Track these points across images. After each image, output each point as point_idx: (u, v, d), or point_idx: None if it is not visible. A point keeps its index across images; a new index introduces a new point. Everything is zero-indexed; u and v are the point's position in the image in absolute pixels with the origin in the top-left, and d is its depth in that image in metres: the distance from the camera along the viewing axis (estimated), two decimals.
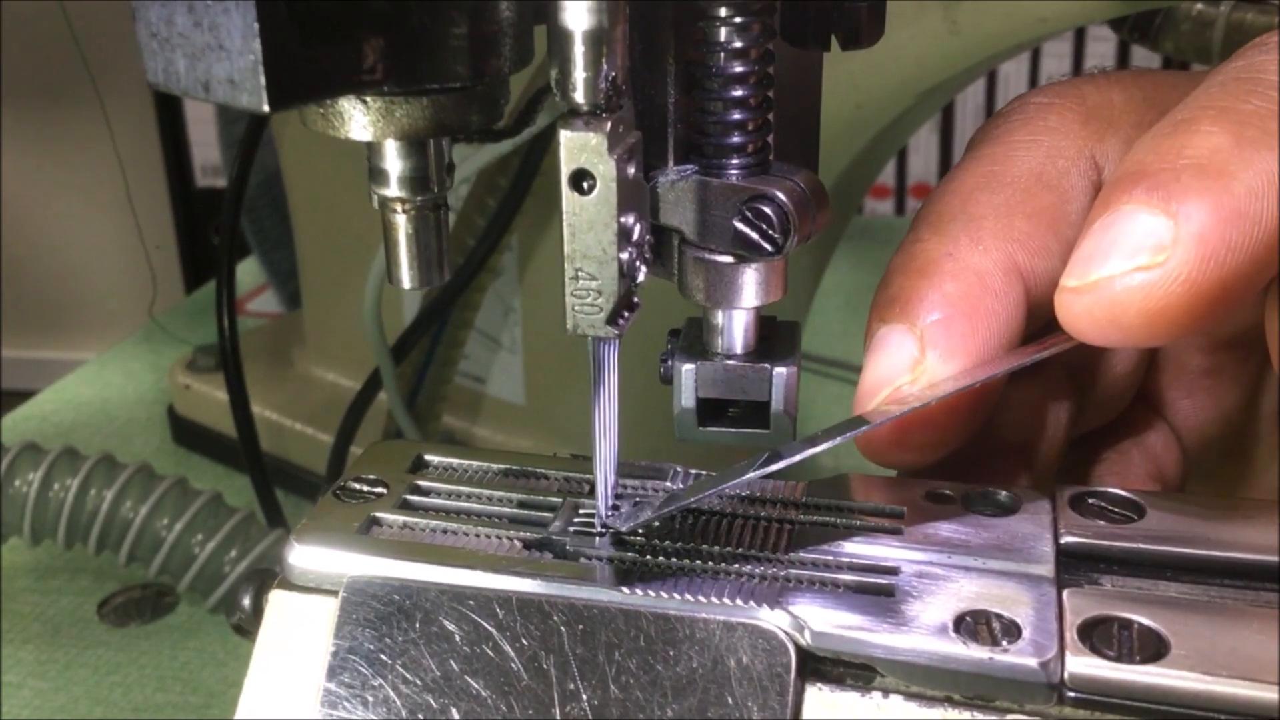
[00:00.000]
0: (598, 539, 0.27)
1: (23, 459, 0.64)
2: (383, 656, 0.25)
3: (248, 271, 1.10)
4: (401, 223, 0.26)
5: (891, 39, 0.32)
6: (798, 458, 0.26)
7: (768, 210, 0.26)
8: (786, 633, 0.24)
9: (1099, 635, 0.23)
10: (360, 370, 0.68)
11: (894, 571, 0.26)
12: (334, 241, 0.78)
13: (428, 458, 0.30)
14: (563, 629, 0.25)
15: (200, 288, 1.18)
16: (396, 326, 0.68)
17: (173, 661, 0.65)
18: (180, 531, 0.63)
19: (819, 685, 0.24)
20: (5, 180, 2.50)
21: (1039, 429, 0.31)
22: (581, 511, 0.28)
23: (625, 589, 0.25)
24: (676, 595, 0.25)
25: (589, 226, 0.24)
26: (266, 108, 0.20)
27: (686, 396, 0.29)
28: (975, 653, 0.23)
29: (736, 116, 0.27)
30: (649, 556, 0.26)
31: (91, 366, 0.98)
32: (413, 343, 0.66)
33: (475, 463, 0.30)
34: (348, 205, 0.74)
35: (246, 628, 0.27)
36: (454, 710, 0.25)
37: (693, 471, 0.29)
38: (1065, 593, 0.24)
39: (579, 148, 0.24)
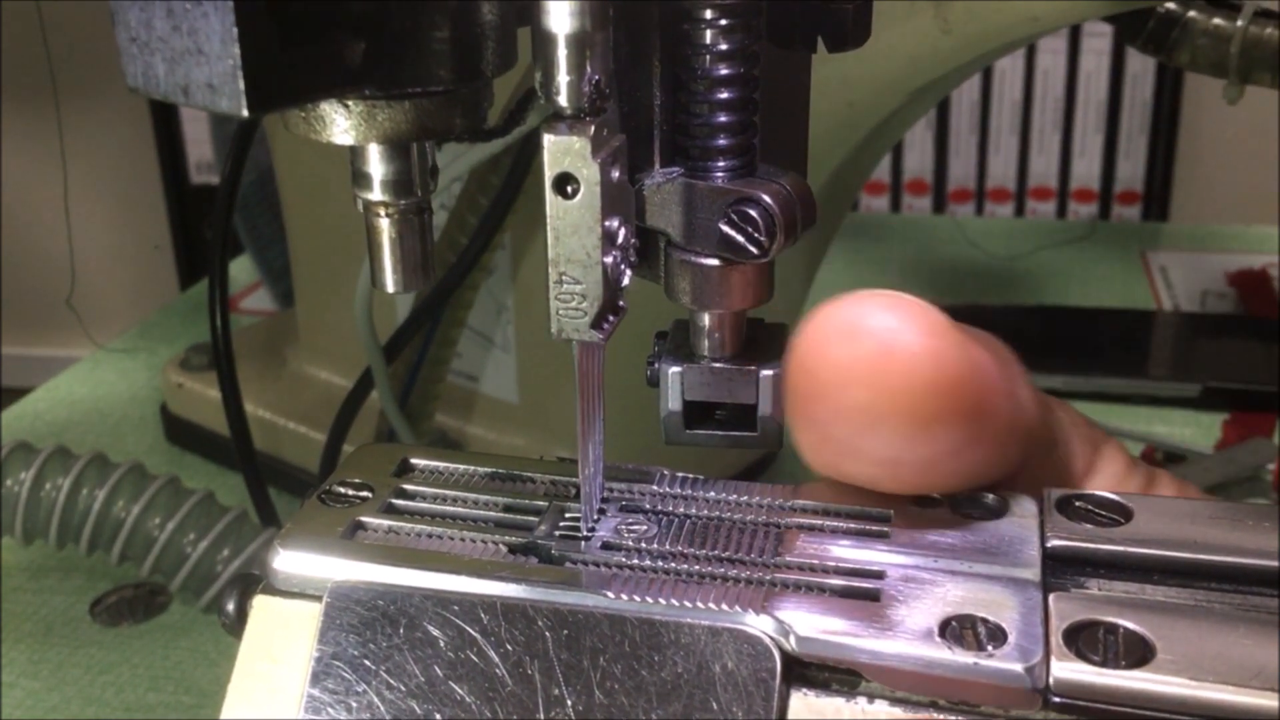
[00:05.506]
0: (583, 543, 0.27)
1: (14, 458, 0.63)
2: (366, 662, 0.25)
3: (241, 269, 1.10)
4: (385, 226, 0.26)
5: (882, 38, 0.32)
6: None
7: (753, 213, 0.26)
8: (771, 638, 0.24)
9: (1085, 640, 0.23)
10: (354, 368, 0.68)
11: (880, 576, 0.25)
12: (327, 239, 0.78)
13: (414, 461, 0.30)
14: (547, 634, 0.25)
15: (194, 285, 1.17)
16: (389, 325, 0.67)
17: (165, 661, 0.64)
18: (172, 531, 0.63)
19: (804, 690, 0.24)
20: (5, 180, 2.50)
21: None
22: (567, 516, 0.28)
23: (610, 594, 0.25)
24: (661, 600, 0.25)
25: (573, 230, 0.24)
26: (245, 112, 0.20)
27: (673, 399, 0.29)
28: (960, 658, 0.23)
29: (722, 119, 0.27)
30: (635, 561, 0.26)
31: (84, 365, 0.97)
32: (405, 341, 0.66)
33: (461, 466, 0.30)
34: (340, 203, 0.74)
35: (231, 633, 0.27)
36: (438, 716, 0.25)
37: (680, 475, 0.29)
38: (1051, 597, 0.24)
39: (562, 151, 0.24)
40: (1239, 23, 0.61)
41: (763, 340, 0.29)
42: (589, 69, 0.23)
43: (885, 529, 0.27)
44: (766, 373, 0.28)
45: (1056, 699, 0.23)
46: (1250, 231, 1.18)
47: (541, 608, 0.25)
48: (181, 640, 0.66)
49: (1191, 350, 0.96)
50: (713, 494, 0.29)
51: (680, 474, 0.29)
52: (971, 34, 0.52)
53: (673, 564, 0.26)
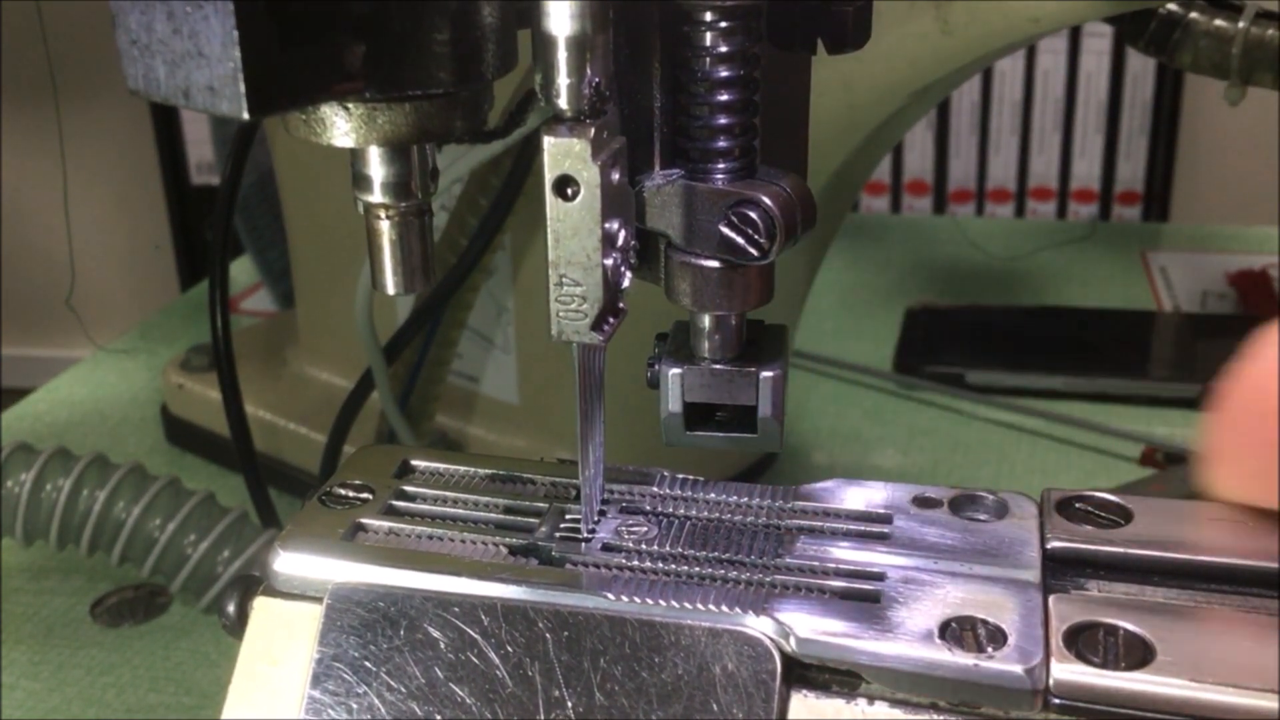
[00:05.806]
0: (584, 545, 0.27)
1: (15, 459, 0.63)
2: (367, 664, 0.25)
3: (242, 270, 1.10)
4: (385, 228, 0.26)
5: (883, 39, 0.32)
6: None
7: (753, 215, 0.26)
8: (772, 639, 0.24)
9: (1085, 641, 0.23)
10: (354, 369, 0.68)
11: (880, 577, 0.26)
12: (327, 240, 0.78)
13: (414, 463, 0.30)
14: (548, 635, 0.25)
15: (194, 286, 1.17)
16: (389, 326, 0.67)
17: (166, 662, 0.64)
18: (173, 532, 0.63)
19: (804, 692, 0.24)
20: (5, 180, 2.50)
21: None
22: (568, 517, 0.28)
23: (610, 595, 0.25)
24: (662, 601, 0.25)
25: (573, 233, 0.24)
26: (246, 115, 0.20)
27: (673, 401, 0.29)
28: (960, 659, 0.23)
29: (722, 121, 0.27)
30: (635, 562, 0.26)
31: (85, 365, 0.97)
32: (405, 342, 0.66)
33: (462, 468, 0.30)
34: (341, 204, 0.74)
35: (232, 635, 0.27)
36: (438, 717, 0.25)
37: (680, 477, 0.29)
38: (1051, 598, 0.24)
39: (562, 154, 0.24)
40: (1241, 24, 0.61)
41: (763, 341, 0.29)
42: (589, 71, 0.23)
43: (885, 530, 0.27)
44: (766, 374, 0.28)
45: (1057, 700, 0.23)
46: (1250, 231, 1.18)
47: (542, 609, 0.25)
48: (182, 641, 0.66)
49: (1192, 351, 0.96)
50: (713, 496, 0.29)
51: (680, 475, 0.29)
52: (972, 35, 0.52)
53: (673, 565, 0.26)
